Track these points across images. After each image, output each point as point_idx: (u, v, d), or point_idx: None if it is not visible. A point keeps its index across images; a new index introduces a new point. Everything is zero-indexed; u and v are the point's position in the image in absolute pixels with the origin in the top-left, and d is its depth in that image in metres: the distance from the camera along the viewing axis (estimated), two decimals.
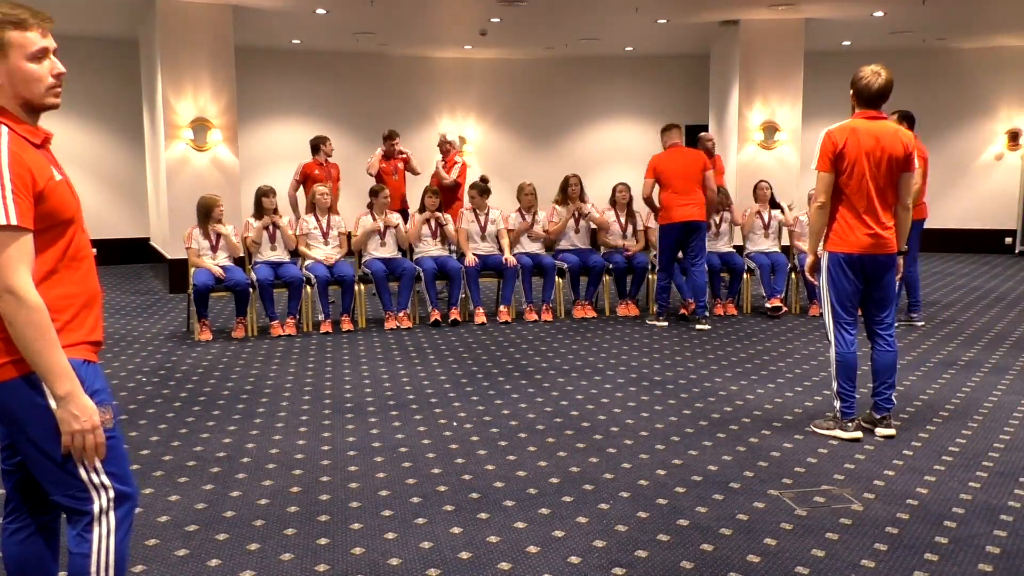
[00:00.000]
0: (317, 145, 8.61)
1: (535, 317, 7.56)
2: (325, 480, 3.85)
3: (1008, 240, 13.29)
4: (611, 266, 7.74)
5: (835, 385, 4.39)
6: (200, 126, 9.44)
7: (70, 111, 11.82)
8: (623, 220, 8.01)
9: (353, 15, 10.30)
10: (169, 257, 9.54)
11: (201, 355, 6.40)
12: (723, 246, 8.01)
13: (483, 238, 7.64)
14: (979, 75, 13.17)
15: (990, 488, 3.70)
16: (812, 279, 4.57)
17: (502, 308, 7.49)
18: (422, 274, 7.27)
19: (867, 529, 3.29)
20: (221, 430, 4.59)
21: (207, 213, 7.01)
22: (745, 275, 7.94)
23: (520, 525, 3.35)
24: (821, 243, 4.36)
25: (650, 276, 7.86)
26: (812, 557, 3.07)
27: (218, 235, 7.04)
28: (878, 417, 4.42)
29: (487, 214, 7.65)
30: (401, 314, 7.29)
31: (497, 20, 10.53)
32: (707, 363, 6.04)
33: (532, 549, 3.14)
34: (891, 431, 4.38)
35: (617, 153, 13.89)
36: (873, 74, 4.49)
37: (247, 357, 6.32)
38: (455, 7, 10.18)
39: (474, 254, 7.49)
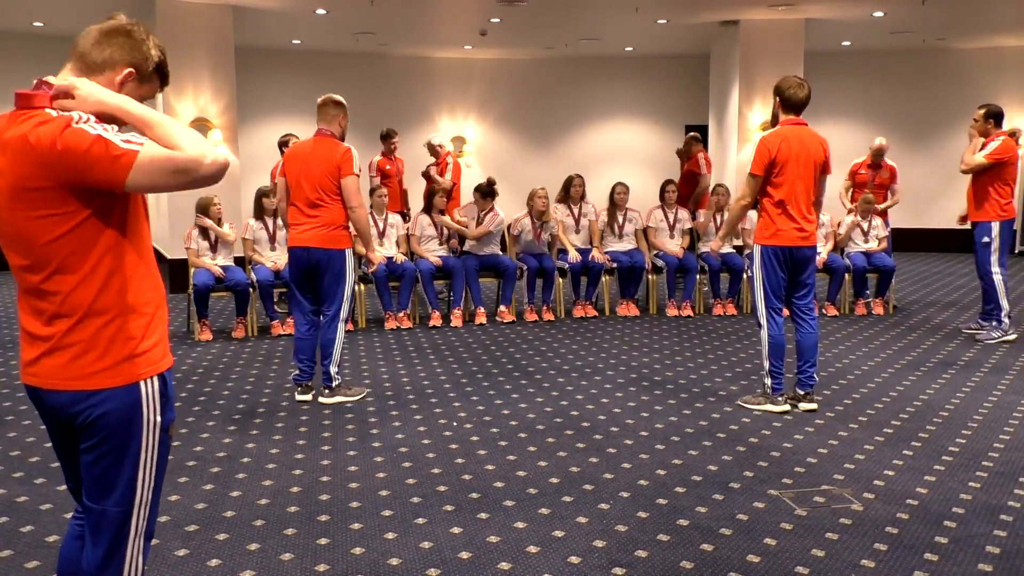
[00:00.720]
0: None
1: (536, 317, 7.56)
2: (325, 480, 3.84)
3: None
4: (615, 265, 7.74)
5: (767, 364, 4.87)
6: (200, 126, 9.44)
7: None
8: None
9: (353, 15, 10.30)
10: (169, 257, 9.54)
11: (201, 355, 6.40)
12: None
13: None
14: (979, 75, 13.16)
15: (990, 488, 3.70)
16: (714, 253, 5.81)
17: (502, 308, 7.48)
18: (419, 275, 7.27)
19: (867, 529, 3.29)
20: (221, 430, 4.59)
21: (204, 213, 7.02)
22: (745, 275, 7.93)
23: (520, 525, 3.35)
24: (752, 238, 4.89)
25: (649, 277, 7.87)
26: (812, 557, 3.07)
27: (217, 237, 7.02)
28: (802, 393, 4.89)
29: (490, 213, 7.62)
30: (401, 314, 7.28)
31: (497, 20, 10.53)
32: (707, 363, 6.04)
33: (532, 549, 3.14)
34: (813, 405, 4.86)
35: (617, 153, 13.90)
36: (798, 85, 4.80)
37: (247, 357, 6.32)
38: (455, 7, 10.18)
39: (474, 255, 7.48)
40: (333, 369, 5.07)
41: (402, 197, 9.08)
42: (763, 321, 4.84)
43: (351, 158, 4.92)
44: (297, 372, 5.16)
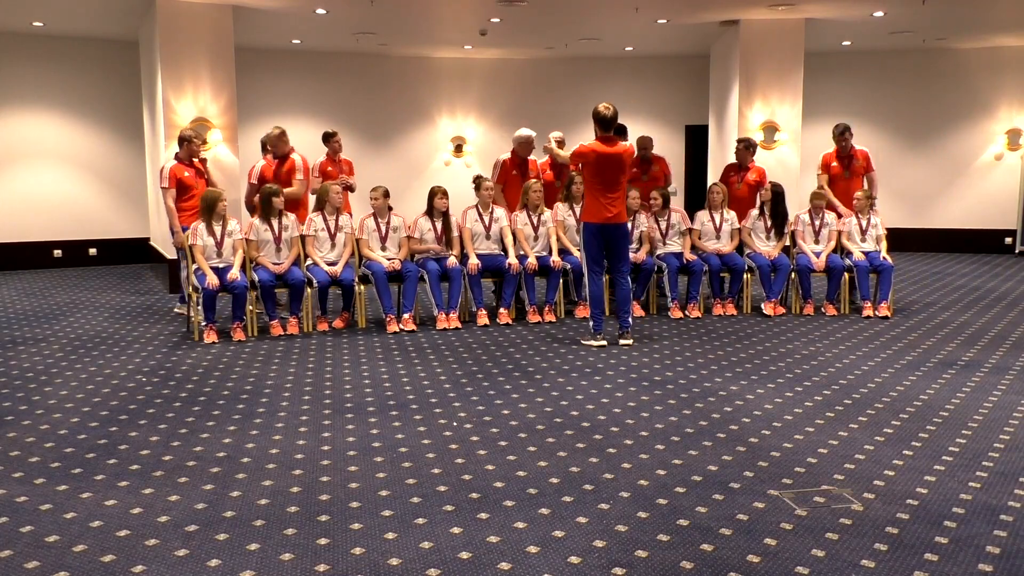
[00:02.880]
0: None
1: (537, 318, 7.55)
2: (325, 480, 3.85)
3: (1008, 240, 13.29)
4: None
5: (590, 310, 6.63)
6: (200, 126, 9.43)
7: (70, 111, 11.84)
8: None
9: (353, 15, 10.30)
10: (169, 257, 9.54)
11: (201, 355, 6.40)
12: (724, 246, 8.02)
13: (487, 237, 7.62)
14: (979, 75, 13.17)
15: (990, 488, 3.70)
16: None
17: (502, 310, 7.47)
18: (426, 275, 7.26)
19: (867, 529, 3.29)
20: (221, 430, 4.59)
21: (211, 208, 6.98)
22: (745, 275, 7.94)
23: (520, 525, 3.35)
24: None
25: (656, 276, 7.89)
26: (812, 557, 3.07)
27: (222, 234, 6.98)
28: (620, 332, 6.71)
29: (491, 213, 7.62)
30: (407, 316, 7.25)
31: (497, 20, 10.53)
32: (707, 363, 6.04)
33: (532, 549, 3.14)
34: (630, 341, 6.62)
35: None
36: (605, 108, 6.69)
37: (247, 357, 6.32)
38: (455, 7, 10.18)
39: (476, 255, 7.47)
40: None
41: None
42: (587, 279, 6.69)
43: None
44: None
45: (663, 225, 8.02)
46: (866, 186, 8.35)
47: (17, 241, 11.74)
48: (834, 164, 8.48)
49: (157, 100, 9.62)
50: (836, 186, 8.40)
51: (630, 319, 6.72)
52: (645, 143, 8.73)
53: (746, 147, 8.59)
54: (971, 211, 13.44)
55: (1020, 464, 3.99)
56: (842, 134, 8.42)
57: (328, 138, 8.69)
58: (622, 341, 6.62)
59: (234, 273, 6.82)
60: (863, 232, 7.97)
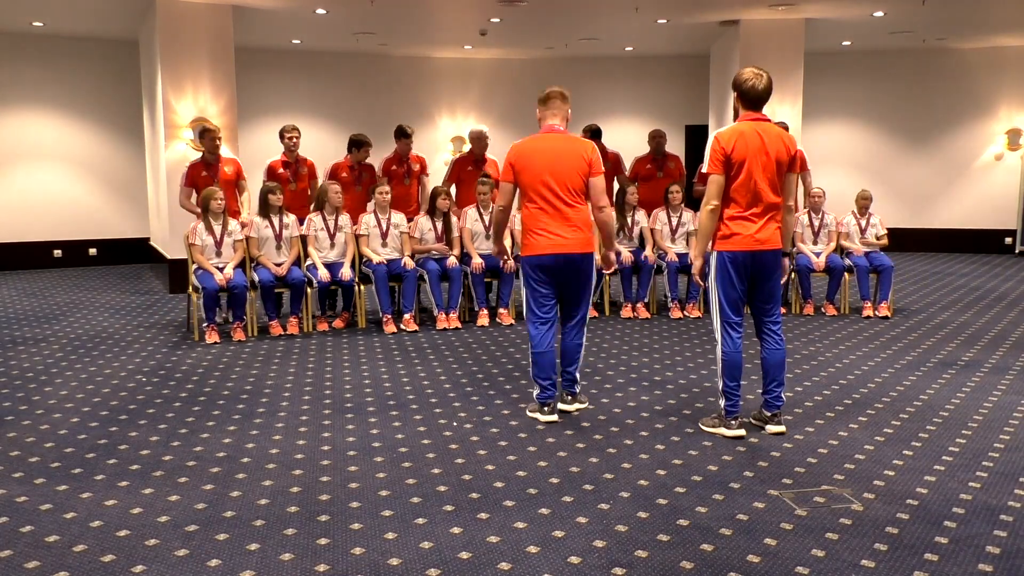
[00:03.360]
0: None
1: None
2: (325, 480, 3.85)
3: (1008, 240, 13.29)
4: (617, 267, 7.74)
5: (720, 384, 4.44)
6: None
7: (70, 111, 11.84)
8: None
9: (353, 15, 10.30)
10: (169, 257, 9.54)
11: (201, 355, 6.40)
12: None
13: (487, 237, 7.61)
14: (979, 75, 13.17)
15: (990, 488, 3.70)
16: (699, 282, 4.54)
17: (502, 311, 7.47)
18: (426, 275, 7.26)
19: (867, 529, 3.29)
20: (221, 430, 4.59)
21: (206, 207, 6.97)
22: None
23: (520, 525, 3.35)
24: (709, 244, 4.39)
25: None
26: (812, 557, 3.07)
27: (221, 233, 6.97)
28: (768, 415, 4.49)
29: (491, 213, 7.60)
30: (407, 316, 7.25)
31: (497, 20, 10.53)
32: (707, 363, 6.04)
33: (532, 549, 3.14)
34: (781, 428, 4.46)
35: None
36: (756, 76, 4.29)
37: (247, 357, 6.32)
38: (455, 7, 10.18)
39: (479, 254, 7.46)
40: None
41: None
42: (718, 337, 4.44)
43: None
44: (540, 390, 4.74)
45: (674, 222, 7.99)
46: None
47: (17, 241, 11.74)
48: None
49: (157, 100, 9.62)
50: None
51: (783, 394, 4.53)
52: (660, 135, 8.64)
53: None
54: (971, 211, 13.44)
55: (1020, 464, 3.99)
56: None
57: (360, 146, 7.93)
58: (771, 428, 4.49)
59: (228, 273, 6.82)
60: (863, 232, 7.97)
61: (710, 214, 4.28)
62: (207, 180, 7.51)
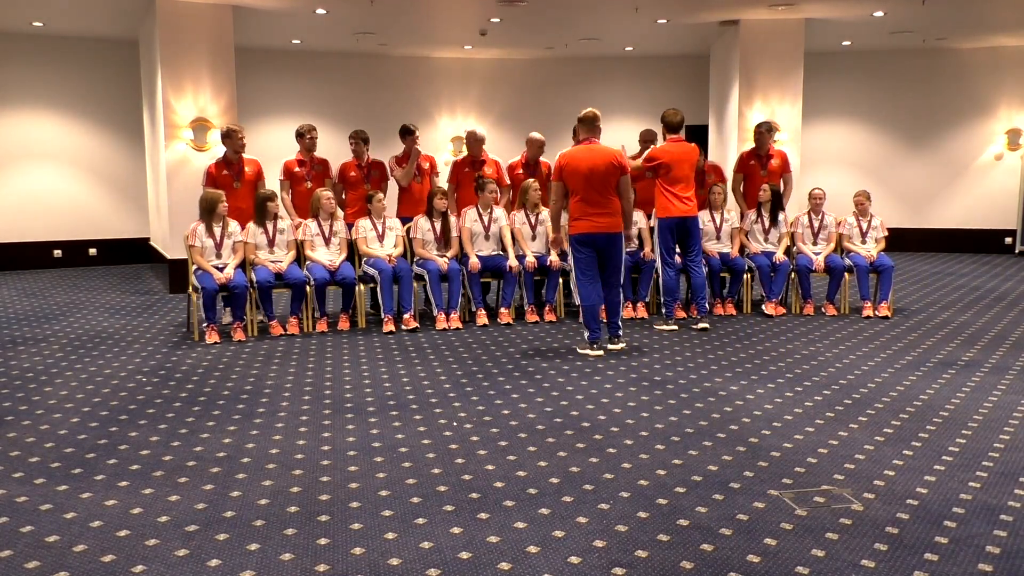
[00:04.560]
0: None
1: (536, 318, 7.55)
2: (325, 480, 3.85)
3: (1008, 240, 13.29)
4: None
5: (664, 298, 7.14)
6: (200, 126, 9.45)
7: (70, 111, 11.85)
8: None
9: (353, 15, 10.30)
10: (169, 257, 9.54)
11: (201, 355, 6.40)
12: (724, 246, 8.02)
13: (487, 238, 7.61)
14: (979, 75, 13.18)
15: (990, 488, 3.70)
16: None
17: (503, 310, 7.47)
18: (426, 276, 7.26)
19: (867, 529, 3.29)
20: (221, 430, 4.59)
21: (211, 209, 6.96)
22: (745, 275, 7.94)
23: (520, 525, 3.35)
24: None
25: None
26: (812, 557, 3.07)
27: (221, 235, 6.98)
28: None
29: (491, 213, 7.61)
30: (407, 316, 7.25)
31: (497, 20, 10.53)
32: (707, 363, 6.04)
33: (532, 549, 3.14)
34: (705, 325, 7.11)
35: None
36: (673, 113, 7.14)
37: (247, 357, 6.32)
38: (455, 7, 10.19)
39: (476, 255, 7.46)
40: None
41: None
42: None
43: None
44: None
45: None
46: (783, 186, 8.26)
47: (17, 241, 11.74)
48: (751, 162, 8.39)
49: (157, 100, 9.62)
50: (750, 187, 8.31)
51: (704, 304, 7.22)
52: (650, 136, 8.61)
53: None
54: (971, 211, 13.45)
55: (1020, 464, 3.99)
56: (759, 134, 8.37)
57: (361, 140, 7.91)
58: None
59: (228, 273, 6.82)
60: (863, 234, 7.96)
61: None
62: (227, 179, 7.52)
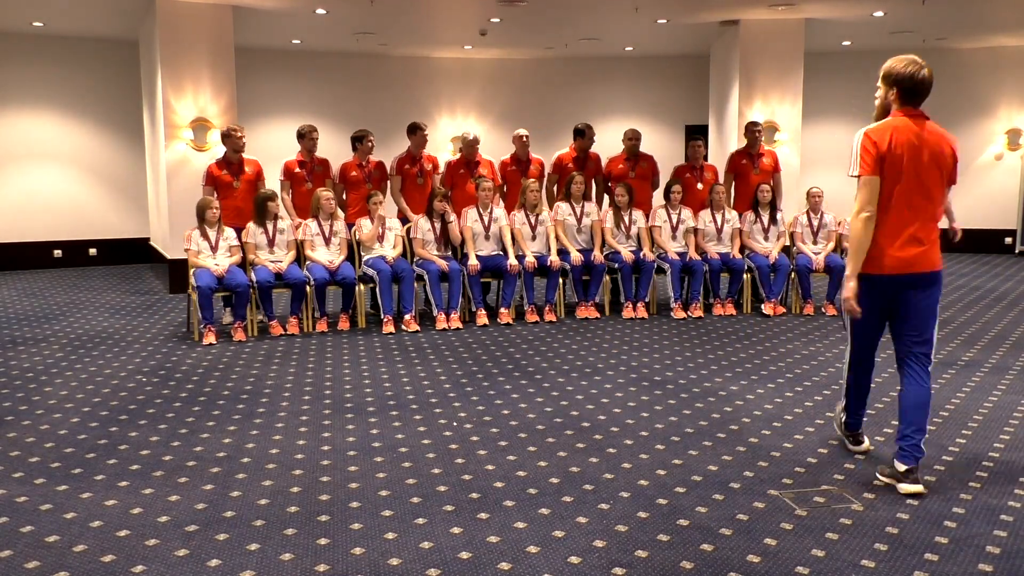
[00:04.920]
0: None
1: (536, 318, 7.55)
2: (325, 480, 3.85)
3: (1008, 240, 13.29)
4: (616, 266, 7.73)
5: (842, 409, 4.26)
6: (200, 126, 9.44)
7: (70, 111, 11.84)
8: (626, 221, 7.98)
9: (353, 15, 10.30)
10: (169, 257, 9.54)
11: (201, 355, 6.40)
12: (723, 247, 8.01)
13: (487, 238, 7.61)
14: (979, 75, 13.17)
15: (990, 488, 3.70)
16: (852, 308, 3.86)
17: (503, 310, 7.47)
18: (426, 276, 7.26)
19: (867, 529, 3.29)
20: (221, 430, 4.59)
21: (201, 215, 7.03)
22: (745, 275, 7.93)
23: (520, 525, 3.35)
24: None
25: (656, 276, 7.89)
26: (812, 557, 3.07)
27: (216, 238, 7.01)
28: (903, 469, 3.65)
29: (491, 213, 7.61)
30: (408, 316, 7.25)
31: (497, 20, 10.53)
32: (707, 363, 6.04)
33: (532, 549, 3.14)
34: (918, 487, 3.61)
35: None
36: (914, 65, 3.69)
37: (247, 357, 6.32)
38: (455, 7, 10.18)
39: (476, 255, 7.46)
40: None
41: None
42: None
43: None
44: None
45: (674, 219, 7.99)
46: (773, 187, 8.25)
47: (17, 241, 11.74)
48: (743, 162, 8.42)
49: (157, 100, 9.62)
50: (742, 186, 8.36)
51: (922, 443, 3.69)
52: (635, 136, 8.58)
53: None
54: (971, 211, 13.42)
55: (1020, 464, 3.99)
56: (751, 132, 8.40)
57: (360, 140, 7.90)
58: (905, 487, 3.62)
59: (223, 264, 6.86)
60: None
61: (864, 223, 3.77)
62: (227, 179, 7.51)
